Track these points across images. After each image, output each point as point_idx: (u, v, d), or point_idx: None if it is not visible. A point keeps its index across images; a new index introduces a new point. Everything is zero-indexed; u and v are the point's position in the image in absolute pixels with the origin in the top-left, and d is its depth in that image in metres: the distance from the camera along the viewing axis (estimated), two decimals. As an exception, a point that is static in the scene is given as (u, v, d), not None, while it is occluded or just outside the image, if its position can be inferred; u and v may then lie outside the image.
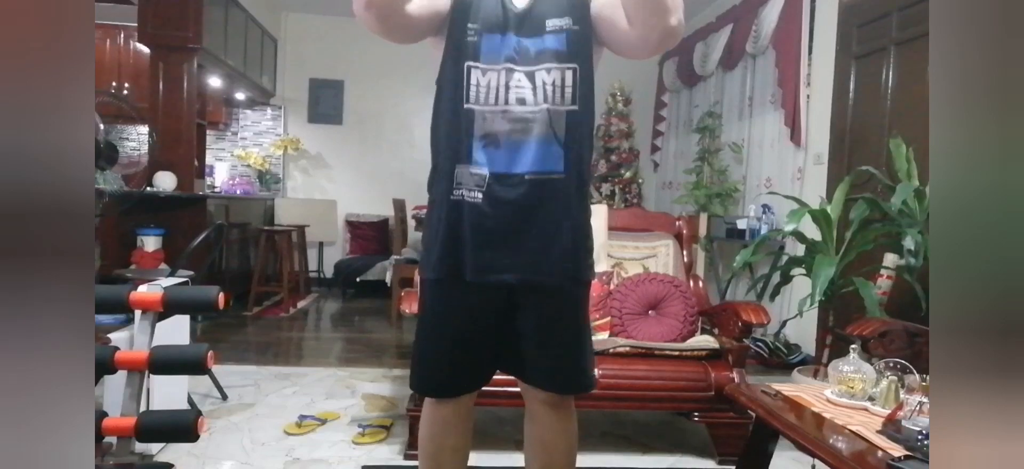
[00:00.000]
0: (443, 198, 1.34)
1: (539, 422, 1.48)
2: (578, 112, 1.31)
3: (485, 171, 1.29)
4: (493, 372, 1.45)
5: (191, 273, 2.89)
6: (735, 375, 2.29)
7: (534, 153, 1.29)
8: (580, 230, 1.36)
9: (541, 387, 1.42)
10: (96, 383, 1.93)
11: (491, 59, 1.29)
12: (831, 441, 1.39)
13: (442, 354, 1.40)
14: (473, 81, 1.29)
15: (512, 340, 1.39)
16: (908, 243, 2.76)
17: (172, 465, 1.72)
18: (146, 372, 1.69)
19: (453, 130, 1.32)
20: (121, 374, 1.69)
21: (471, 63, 1.30)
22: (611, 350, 2.34)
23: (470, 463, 1.54)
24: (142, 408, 1.69)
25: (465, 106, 1.30)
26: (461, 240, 1.32)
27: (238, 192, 5.87)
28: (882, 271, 2.92)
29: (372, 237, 6.30)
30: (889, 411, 1.47)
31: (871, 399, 1.61)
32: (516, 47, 1.29)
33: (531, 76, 1.29)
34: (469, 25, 1.31)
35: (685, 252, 2.86)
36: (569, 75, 1.30)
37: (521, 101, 1.28)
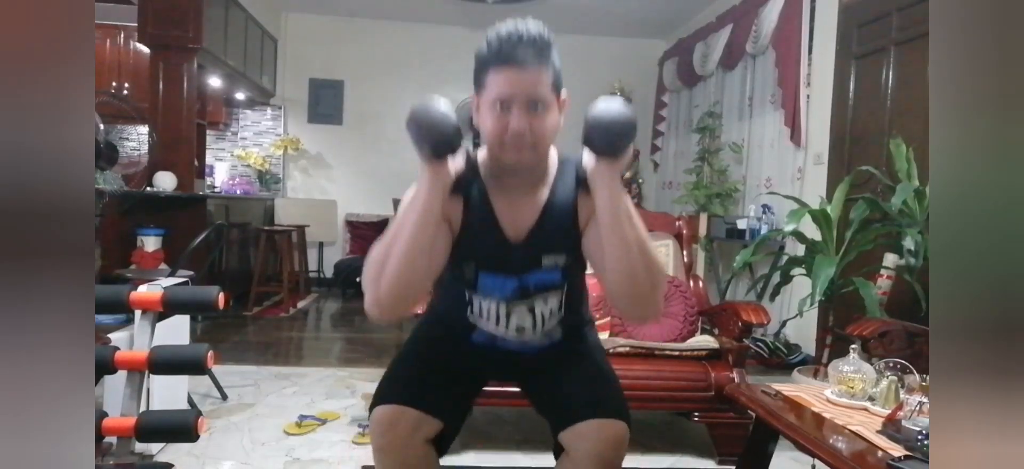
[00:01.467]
0: (442, 325, 1.41)
1: None
2: (567, 316, 1.36)
3: (486, 345, 1.36)
4: (464, 414, 1.36)
5: (191, 273, 2.89)
6: (735, 375, 2.29)
7: (532, 347, 1.36)
8: (573, 319, 1.40)
9: (578, 416, 1.21)
10: (96, 383, 1.93)
11: (489, 293, 1.31)
12: (831, 441, 1.39)
13: (423, 363, 1.35)
14: (475, 305, 1.33)
15: (537, 391, 1.40)
16: (908, 243, 2.76)
17: (172, 465, 1.72)
18: (146, 372, 1.69)
19: (456, 313, 1.36)
20: (121, 374, 1.70)
21: (470, 292, 1.33)
22: (611, 350, 2.34)
23: (470, 463, 1.54)
24: (142, 408, 1.69)
25: (467, 318, 1.35)
26: (459, 348, 1.38)
27: (238, 192, 5.87)
28: (882, 271, 2.92)
29: (372, 237, 6.21)
30: (889, 411, 1.47)
31: (871, 399, 1.61)
32: (517, 288, 1.29)
33: (530, 309, 1.31)
34: (467, 261, 1.30)
35: (685, 252, 2.86)
36: (562, 295, 1.34)
37: (520, 330, 1.32)
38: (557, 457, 1.30)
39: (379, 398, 1.25)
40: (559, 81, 1.19)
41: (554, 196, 1.26)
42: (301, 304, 5.37)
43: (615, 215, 1.13)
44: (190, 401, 2.53)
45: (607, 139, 1.10)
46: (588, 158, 1.15)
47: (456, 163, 1.18)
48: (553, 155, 1.28)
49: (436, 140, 1.12)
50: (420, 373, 1.32)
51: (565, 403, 1.26)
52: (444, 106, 1.13)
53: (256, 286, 5.03)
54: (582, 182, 1.21)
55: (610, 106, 1.11)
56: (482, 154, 1.28)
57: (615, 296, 1.20)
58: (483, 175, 1.27)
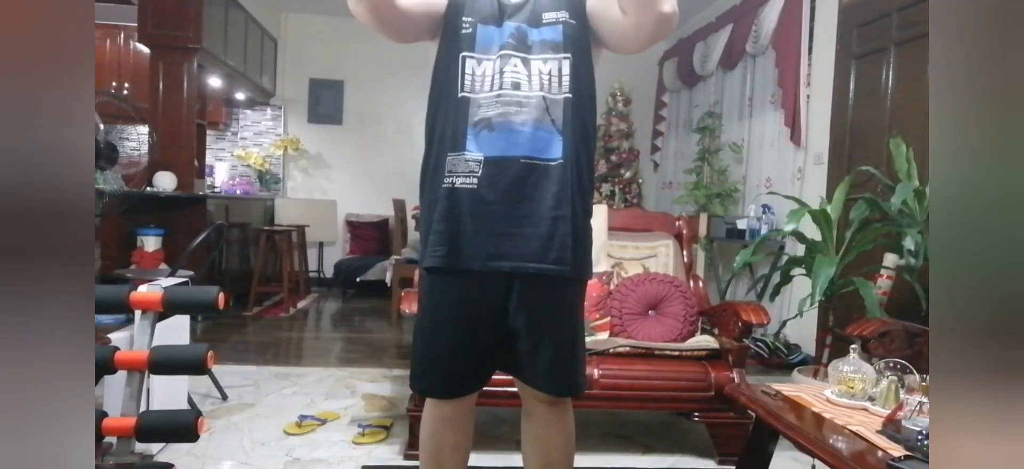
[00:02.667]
0: (436, 188, 1.33)
1: (536, 420, 1.48)
2: (574, 101, 1.30)
3: (479, 156, 1.28)
4: (492, 372, 1.45)
5: (191, 273, 2.89)
6: (735, 375, 2.29)
7: (529, 137, 1.28)
8: (579, 225, 1.35)
9: (537, 388, 1.42)
10: (96, 383, 1.93)
11: (486, 48, 1.30)
12: (831, 441, 1.39)
13: (441, 355, 1.40)
14: (468, 70, 1.30)
15: (508, 339, 1.39)
16: (908, 243, 2.76)
17: (172, 465, 1.72)
18: (146, 372, 1.69)
19: (447, 119, 1.32)
20: (121, 374, 1.70)
21: (466, 53, 1.30)
22: (611, 350, 2.34)
23: (470, 463, 1.55)
24: (142, 408, 1.69)
25: (459, 95, 1.30)
26: (456, 228, 1.31)
27: (238, 192, 5.87)
28: (882, 271, 2.92)
29: (372, 237, 6.30)
30: (889, 411, 1.47)
31: (871, 399, 1.61)
32: (512, 34, 1.30)
33: (527, 63, 1.29)
34: (464, 18, 1.32)
35: (685, 252, 2.86)
36: (565, 65, 1.30)
37: (516, 86, 1.28)
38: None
39: (419, 389, 1.46)
40: None
41: None
42: (301, 304, 5.37)
43: None
44: (190, 401, 2.53)
45: None
46: None
47: None
48: None
49: None
50: (447, 355, 1.38)
51: (533, 365, 1.38)
52: None
53: (256, 286, 5.03)
54: None
55: None
56: None
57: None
58: None
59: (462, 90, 1.30)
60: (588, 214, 1.40)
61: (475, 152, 1.29)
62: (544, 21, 1.31)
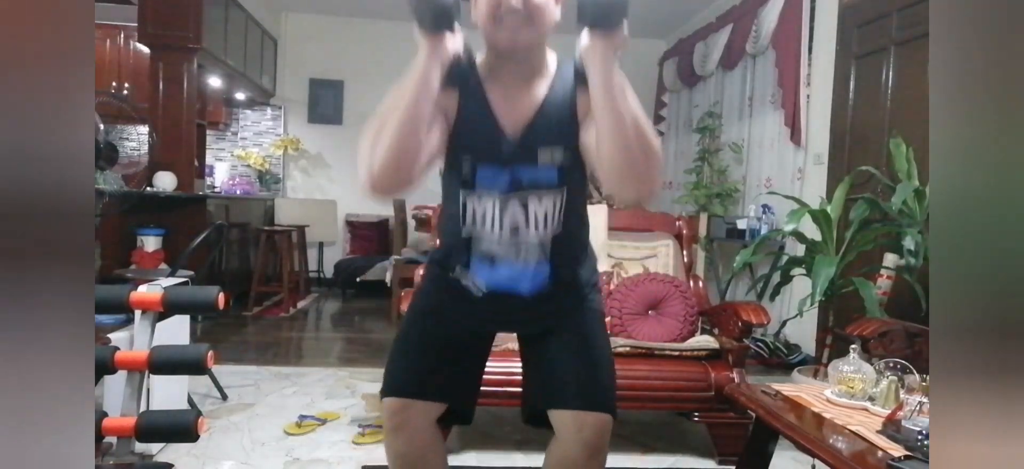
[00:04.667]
0: (444, 271, 1.38)
1: (563, 445, 1.32)
2: (561, 235, 1.32)
3: (483, 286, 1.33)
4: (474, 396, 1.42)
5: (191, 273, 2.89)
6: (735, 375, 2.29)
7: (527, 277, 1.32)
8: (582, 284, 1.39)
9: (564, 405, 1.29)
10: (96, 383, 1.93)
11: (486, 188, 1.30)
12: (831, 441, 1.39)
13: (426, 348, 1.36)
14: (470, 209, 1.31)
15: (528, 366, 1.39)
16: (908, 243, 2.76)
17: (172, 465, 1.72)
18: (146, 372, 1.69)
19: (454, 240, 1.35)
20: (121, 374, 1.70)
21: (466, 193, 1.31)
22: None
23: (470, 463, 1.54)
24: (142, 408, 1.69)
25: (463, 232, 1.33)
26: (459, 305, 1.36)
27: (238, 192, 5.87)
28: (882, 271, 2.92)
29: (372, 237, 6.30)
30: (889, 411, 1.47)
31: (871, 399, 1.61)
32: (511, 181, 1.28)
33: (524, 206, 1.29)
34: (462, 155, 1.30)
35: (685, 252, 2.86)
36: (559, 200, 1.31)
37: (515, 229, 1.30)
38: (527, 422, 1.40)
39: (387, 387, 1.35)
40: None
41: (553, 91, 1.28)
42: (301, 304, 5.37)
43: (608, 89, 1.11)
44: (190, 401, 2.53)
45: (599, 11, 1.09)
46: (583, 37, 1.15)
47: (454, 43, 1.19)
48: (552, 56, 1.31)
49: (436, 11, 1.13)
50: (421, 357, 1.35)
51: (558, 382, 1.32)
52: None
53: (256, 286, 5.03)
54: (581, 77, 1.22)
55: None
56: (479, 57, 1.31)
57: (610, 175, 1.18)
58: (480, 72, 1.29)
59: (464, 224, 1.32)
60: (591, 262, 1.44)
61: (480, 281, 1.33)
62: (539, 161, 1.28)
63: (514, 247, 1.31)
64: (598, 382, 1.33)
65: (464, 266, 1.34)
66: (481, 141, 1.28)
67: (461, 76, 1.26)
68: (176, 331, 2.32)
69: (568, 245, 1.35)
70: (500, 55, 1.26)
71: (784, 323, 3.91)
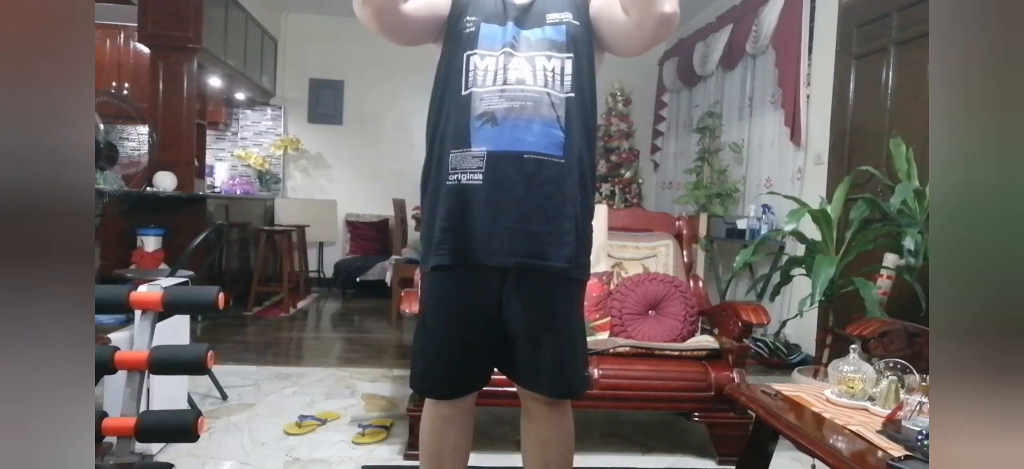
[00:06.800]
0: (440, 186, 1.33)
1: (535, 420, 1.48)
2: (576, 99, 1.31)
3: (483, 150, 1.28)
4: (491, 372, 1.46)
5: (191, 273, 2.89)
6: (735, 375, 2.29)
7: (533, 133, 1.28)
8: (581, 225, 1.35)
9: (535, 390, 1.41)
10: (96, 383, 1.93)
11: (490, 45, 1.31)
12: (831, 441, 1.39)
13: (441, 355, 1.40)
14: (471, 66, 1.30)
15: (507, 340, 1.39)
16: (908, 243, 2.76)
17: (172, 465, 1.72)
18: (146, 372, 1.69)
19: (450, 117, 1.32)
20: (121, 374, 1.69)
21: (470, 51, 1.31)
22: (611, 350, 2.34)
23: (470, 463, 1.55)
24: (142, 408, 1.69)
25: (463, 92, 1.30)
26: (461, 224, 1.31)
27: (238, 192, 5.87)
28: (882, 271, 2.92)
29: (372, 237, 6.30)
30: (889, 411, 1.47)
31: (871, 399, 1.61)
32: (515, 35, 1.31)
33: (530, 60, 1.30)
34: (467, 18, 1.33)
35: (685, 252, 2.86)
36: (568, 64, 1.31)
37: (520, 81, 1.28)
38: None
39: (420, 390, 1.48)
40: None
41: None
42: (301, 304, 5.37)
43: None
44: (190, 401, 2.53)
45: None
46: None
47: None
48: None
49: None
50: (447, 354, 1.39)
51: (534, 368, 1.38)
52: None
53: (256, 286, 5.03)
54: None
55: None
56: None
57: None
58: None
59: (466, 87, 1.30)
60: (590, 214, 1.40)
61: (480, 147, 1.28)
62: (548, 21, 1.32)
63: (519, 99, 1.27)
64: (573, 371, 1.40)
65: (464, 142, 1.29)
66: (487, 4, 1.32)
67: None
68: (176, 331, 2.32)
69: (581, 115, 1.32)
70: None
71: (784, 323, 3.91)
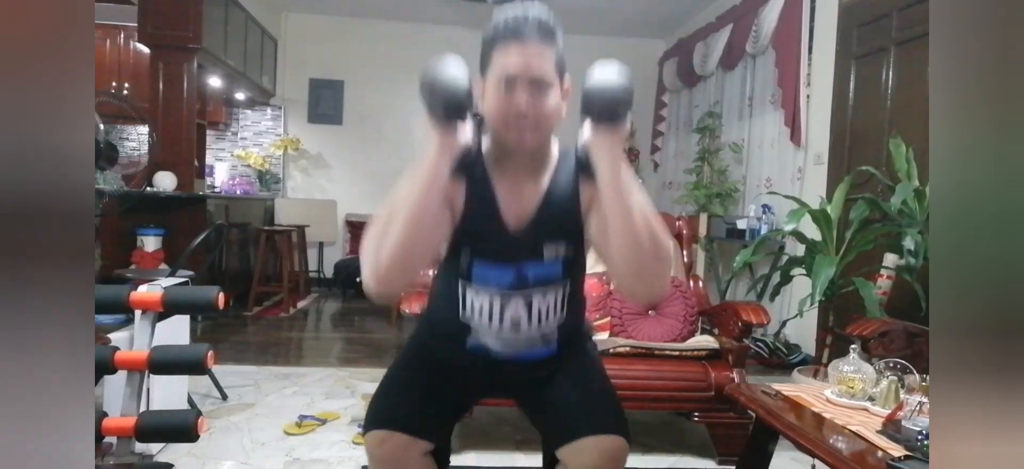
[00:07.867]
0: (435, 339, 1.37)
1: None
2: (567, 321, 1.31)
3: (479, 355, 1.30)
4: (449, 430, 1.41)
5: (191, 273, 2.89)
6: (735, 375, 2.29)
7: (528, 354, 1.30)
8: (579, 334, 1.39)
9: (583, 432, 1.22)
10: (96, 383, 1.93)
11: (483, 283, 1.26)
12: (831, 441, 1.39)
13: (414, 383, 1.32)
14: (467, 302, 1.28)
15: (536, 414, 1.37)
16: (908, 243, 2.76)
17: (172, 465, 1.73)
18: (146, 372, 1.69)
19: (447, 325, 1.31)
20: (121, 374, 1.70)
21: (464, 284, 1.27)
22: (611, 350, 2.34)
23: (470, 463, 1.53)
24: (142, 408, 1.69)
25: (459, 319, 1.29)
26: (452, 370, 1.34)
27: (238, 192, 5.87)
28: (882, 271, 2.92)
29: (372, 237, 6.29)
30: (889, 411, 1.47)
31: (871, 399, 1.61)
32: (515, 278, 1.25)
33: (528, 304, 1.26)
34: (463, 247, 1.26)
35: (685, 252, 2.86)
36: (562, 292, 1.28)
37: (515, 325, 1.26)
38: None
39: (370, 420, 1.26)
40: (563, 65, 1.18)
41: (556, 183, 1.25)
42: (301, 304, 5.37)
43: (616, 185, 1.10)
44: (190, 401, 2.53)
45: (605, 104, 1.08)
46: (587, 130, 1.13)
47: (465, 133, 1.15)
48: (555, 144, 1.28)
49: (448, 101, 1.09)
50: (409, 396, 1.30)
51: (565, 418, 1.26)
52: (455, 67, 1.11)
53: (256, 286, 5.03)
54: (583, 167, 1.20)
55: (606, 72, 1.09)
56: (484, 141, 1.26)
57: (621, 273, 1.17)
58: (485, 160, 1.25)
59: (463, 314, 1.29)
60: (585, 321, 1.44)
61: (477, 354, 1.31)
62: (545, 257, 1.25)
63: (514, 340, 1.28)
64: (608, 408, 1.29)
65: (460, 343, 1.31)
66: (484, 235, 1.24)
67: (469, 166, 1.22)
68: (176, 331, 2.32)
69: (574, 326, 1.34)
70: (507, 150, 1.22)
71: (784, 323, 3.91)
